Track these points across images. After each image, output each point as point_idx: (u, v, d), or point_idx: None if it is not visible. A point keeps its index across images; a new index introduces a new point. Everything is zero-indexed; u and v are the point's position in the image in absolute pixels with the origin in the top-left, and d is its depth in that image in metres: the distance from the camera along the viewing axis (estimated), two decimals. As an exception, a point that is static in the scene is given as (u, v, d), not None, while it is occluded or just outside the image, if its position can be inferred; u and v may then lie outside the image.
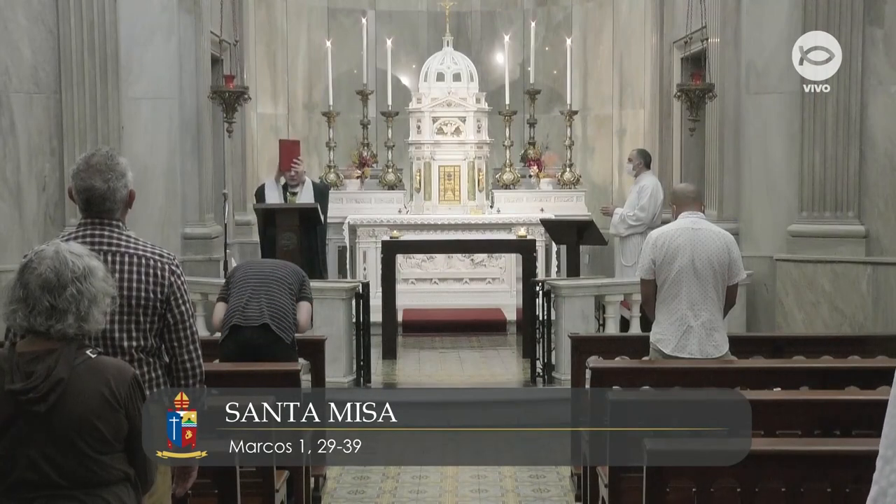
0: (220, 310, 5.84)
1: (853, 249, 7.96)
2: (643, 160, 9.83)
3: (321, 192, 9.09)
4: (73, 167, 3.51)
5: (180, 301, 3.50)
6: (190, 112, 8.91)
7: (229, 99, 8.87)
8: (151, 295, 3.43)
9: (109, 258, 3.38)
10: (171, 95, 8.61)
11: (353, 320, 8.22)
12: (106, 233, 3.45)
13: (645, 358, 5.74)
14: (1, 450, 2.60)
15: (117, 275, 3.35)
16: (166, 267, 3.48)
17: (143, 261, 3.45)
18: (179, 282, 3.51)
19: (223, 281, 6.26)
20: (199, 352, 3.58)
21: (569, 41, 12.34)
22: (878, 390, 5.01)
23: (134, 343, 3.42)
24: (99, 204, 3.44)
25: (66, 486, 2.63)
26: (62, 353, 2.65)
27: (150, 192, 8.49)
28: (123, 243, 3.47)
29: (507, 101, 11.97)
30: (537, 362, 8.29)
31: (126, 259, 3.44)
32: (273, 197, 8.90)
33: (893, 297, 7.79)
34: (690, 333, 5.49)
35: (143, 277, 3.43)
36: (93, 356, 2.73)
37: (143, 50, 8.41)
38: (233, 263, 9.24)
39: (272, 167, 12.01)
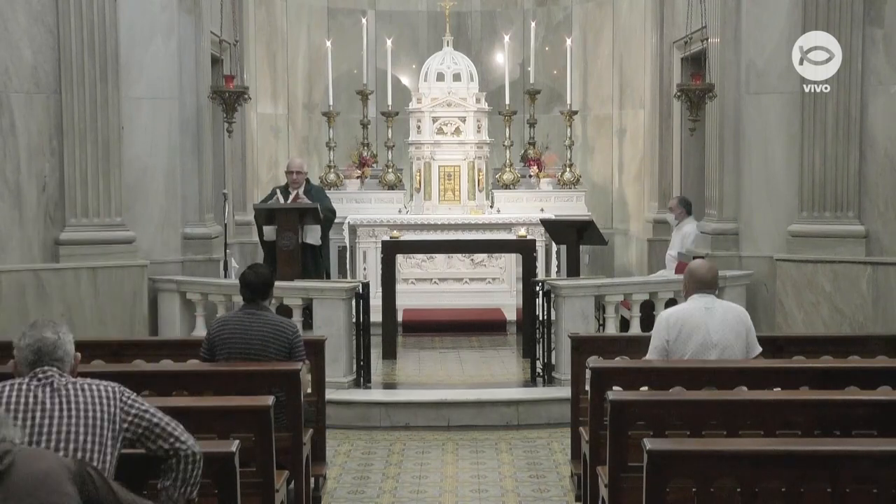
0: None
1: (853, 249, 7.96)
2: (684, 208, 10.00)
3: (319, 191, 9.18)
4: (15, 345, 3.47)
5: (139, 406, 3.48)
6: (190, 112, 8.91)
7: (229, 99, 8.86)
8: (114, 417, 3.40)
9: (64, 391, 3.35)
10: (171, 95, 8.61)
11: (353, 320, 8.21)
12: (55, 370, 3.42)
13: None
14: None
15: (79, 403, 3.34)
16: (114, 389, 3.46)
17: (96, 388, 3.43)
18: (130, 394, 3.49)
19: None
20: (182, 427, 3.53)
21: (569, 41, 12.34)
22: (878, 390, 5.02)
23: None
24: (51, 352, 3.42)
25: None
26: None
27: (150, 192, 8.50)
28: (70, 379, 3.45)
29: (507, 101, 11.98)
30: (537, 362, 8.28)
31: (79, 389, 3.40)
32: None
33: (893, 297, 7.79)
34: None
35: (101, 401, 3.40)
36: None
37: (143, 50, 8.42)
38: (233, 263, 9.24)
39: (272, 167, 12.06)
